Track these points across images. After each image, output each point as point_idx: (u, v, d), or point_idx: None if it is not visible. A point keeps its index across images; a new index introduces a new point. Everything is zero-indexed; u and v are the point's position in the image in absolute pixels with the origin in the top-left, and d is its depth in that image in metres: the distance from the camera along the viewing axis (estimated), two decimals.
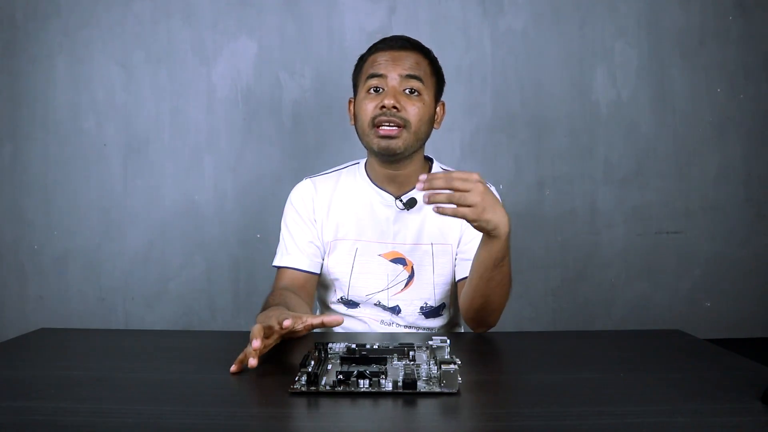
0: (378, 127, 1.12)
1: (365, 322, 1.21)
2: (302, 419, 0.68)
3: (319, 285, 1.26)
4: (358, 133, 1.18)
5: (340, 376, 0.73)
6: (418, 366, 0.80)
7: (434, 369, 0.78)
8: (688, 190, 2.20)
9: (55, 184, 2.14)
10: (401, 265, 1.19)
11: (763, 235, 2.21)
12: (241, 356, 0.82)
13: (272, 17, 2.15)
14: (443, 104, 1.23)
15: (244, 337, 0.86)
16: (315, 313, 1.33)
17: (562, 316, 2.18)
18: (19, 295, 2.15)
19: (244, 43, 2.15)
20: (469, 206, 0.90)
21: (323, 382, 0.73)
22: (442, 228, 1.20)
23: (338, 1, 2.16)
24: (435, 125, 1.21)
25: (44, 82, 2.13)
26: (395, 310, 1.20)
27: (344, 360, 0.81)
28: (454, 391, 0.71)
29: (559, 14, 2.18)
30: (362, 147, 1.20)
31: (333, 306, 1.25)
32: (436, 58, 1.21)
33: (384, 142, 1.12)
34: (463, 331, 1.31)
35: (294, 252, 1.20)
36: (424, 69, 1.16)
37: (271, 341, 0.85)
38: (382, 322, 1.21)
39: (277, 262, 1.22)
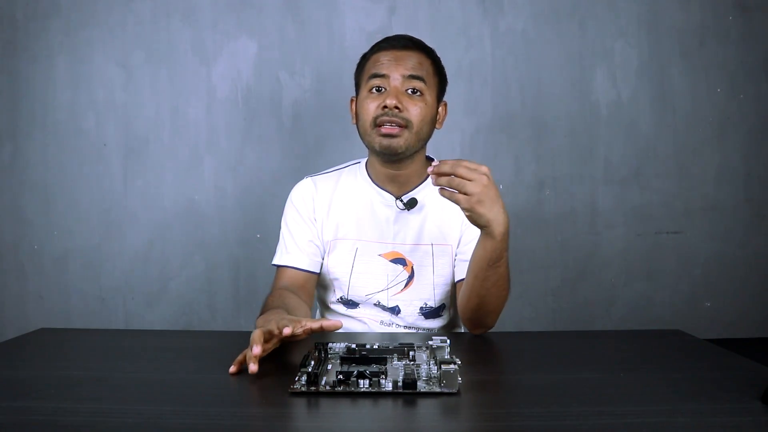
0: (380, 126, 1.12)
1: (365, 323, 1.21)
2: (302, 419, 0.68)
3: (318, 285, 1.26)
4: (359, 132, 1.18)
5: (340, 376, 0.73)
6: (418, 366, 0.80)
7: (434, 369, 0.78)
8: (688, 190, 2.20)
9: (55, 184, 2.14)
10: (401, 266, 1.19)
11: (763, 235, 2.21)
12: (240, 357, 0.82)
13: (272, 17, 2.15)
14: (445, 104, 1.23)
15: (244, 337, 0.86)
16: (315, 313, 1.33)
17: (562, 316, 2.18)
18: (19, 295, 2.15)
19: (244, 43, 2.15)
20: (466, 194, 0.90)
21: (323, 382, 0.73)
22: (443, 228, 1.20)
23: (338, 1, 2.16)
24: (437, 125, 1.20)
25: (44, 82, 2.13)
26: (395, 311, 1.20)
27: (344, 360, 0.81)
28: (454, 391, 0.71)
29: (559, 14, 2.18)
30: (362, 147, 1.20)
31: (332, 306, 1.25)
32: (438, 58, 1.21)
33: (386, 141, 1.12)
34: (462, 331, 1.31)
35: (294, 251, 1.20)
36: (426, 69, 1.16)
37: (271, 345, 0.85)
38: (381, 322, 1.21)
39: (276, 261, 1.22)
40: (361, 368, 0.76)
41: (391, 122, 1.11)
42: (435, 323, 1.23)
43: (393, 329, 1.20)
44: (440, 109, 1.21)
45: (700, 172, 2.20)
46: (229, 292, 2.16)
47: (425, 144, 1.19)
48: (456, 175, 0.90)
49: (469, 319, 1.09)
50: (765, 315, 2.20)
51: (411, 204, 1.19)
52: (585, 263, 2.19)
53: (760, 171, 2.20)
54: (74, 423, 0.64)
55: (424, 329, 1.22)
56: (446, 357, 0.77)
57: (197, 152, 2.15)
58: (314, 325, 0.85)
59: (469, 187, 0.90)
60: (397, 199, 1.20)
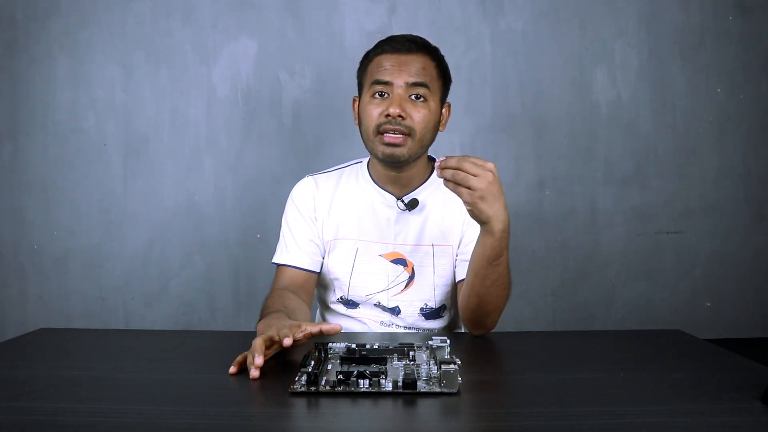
0: (383, 134, 1.11)
1: (365, 323, 1.21)
2: (302, 419, 0.68)
3: (319, 284, 1.26)
4: (362, 136, 1.17)
5: (340, 376, 0.73)
6: (418, 366, 0.80)
7: (434, 369, 0.78)
8: (687, 190, 2.20)
9: (55, 184, 2.14)
10: (402, 266, 1.19)
11: (763, 235, 2.21)
12: (239, 358, 0.82)
13: (272, 17, 2.15)
14: (449, 105, 1.22)
15: (244, 337, 0.86)
16: (315, 312, 1.33)
17: (562, 316, 2.18)
18: (19, 295, 2.15)
19: (244, 43, 2.15)
20: (468, 188, 0.91)
21: (323, 382, 0.73)
22: (443, 229, 1.19)
23: (338, 1, 2.16)
24: (440, 127, 1.19)
25: (44, 82, 2.13)
26: (395, 311, 1.20)
27: (344, 360, 0.81)
28: (454, 391, 0.71)
29: (559, 14, 2.18)
30: (362, 146, 1.20)
31: (333, 306, 1.25)
32: (442, 57, 1.19)
33: (389, 150, 1.11)
34: (463, 332, 1.31)
35: (294, 250, 1.20)
36: (430, 73, 1.14)
37: (272, 351, 0.85)
38: (381, 323, 1.21)
39: (276, 259, 1.22)
40: (361, 368, 0.76)
41: (394, 130, 1.10)
42: (435, 324, 1.23)
43: (393, 330, 1.20)
44: (444, 110, 1.20)
45: (700, 172, 2.20)
46: (229, 292, 2.16)
47: (428, 148, 1.19)
48: (461, 170, 0.91)
49: (470, 320, 1.09)
50: (765, 315, 2.20)
51: (412, 205, 1.19)
52: (585, 263, 2.19)
53: (760, 171, 2.20)
54: (74, 423, 0.64)
55: (424, 330, 1.21)
56: (446, 357, 0.77)
57: (197, 152, 2.15)
58: (314, 329, 0.85)
59: (473, 182, 0.91)
60: (398, 199, 1.19)
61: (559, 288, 2.19)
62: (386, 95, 1.12)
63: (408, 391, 0.71)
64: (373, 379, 0.73)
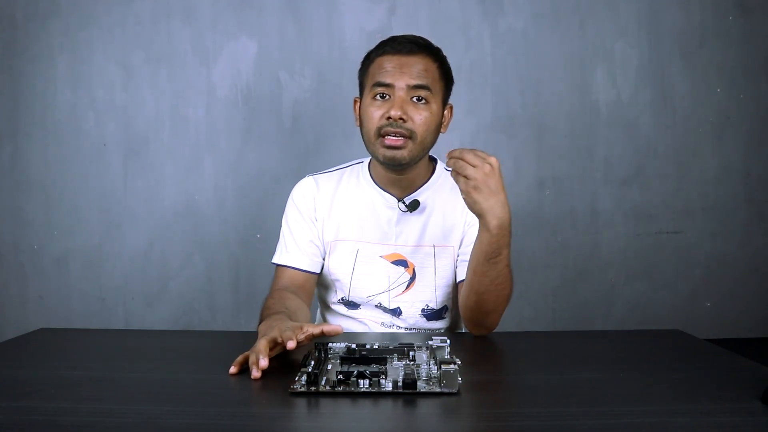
0: (384, 137, 1.11)
1: (366, 324, 1.21)
2: (302, 419, 0.68)
3: (319, 284, 1.26)
4: (363, 138, 1.16)
5: (340, 376, 0.73)
6: (418, 366, 0.80)
7: (434, 369, 0.78)
8: (688, 190, 2.20)
9: (55, 184, 2.14)
10: (403, 267, 1.19)
11: (763, 235, 2.21)
12: (240, 358, 0.82)
13: (272, 17, 2.15)
14: (451, 107, 1.21)
15: (244, 337, 0.86)
16: (316, 312, 1.33)
17: (562, 316, 2.18)
18: (19, 295, 2.15)
19: (244, 43, 2.15)
20: (466, 177, 0.93)
21: (323, 382, 0.73)
22: (445, 230, 1.19)
23: (338, 1, 2.16)
24: (442, 129, 1.19)
25: (44, 82, 2.13)
26: (396, 312, 1.20)
27: (344, 360, 0.81)
28: (454, 391, 0.71)
29: (559, 14, 2.18)
30: (362, 146, 1.19)
31: (334, 306, 1.25)
32: (444, 58, 1.18)
33: (389, 153, 1.11)
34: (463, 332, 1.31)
35: (294, 251, 1.20)
36: (432, 75, 1.13)
37: (274, 353, 0.85)
38: (382, 324, 1.20)
39: (276, 260, 1.21)
40: (361, 368, 0.76)
41: (395, 133, 1.09)
42: (436, 325, 1.22)
43: (394, 331, 1.20)
44: (446, 112, 1.19)
45: (700, 172, 2.20)
46: (229, 292, 2.16)
47: (430, 150, 1.19)
48: (463, 160, 0.94)
49: (470, 319, 1.09)
50: (765, 315, 2.20)
51: (413, 206, 1.18)
52: (585, 263, 2.19)
53: (760, 171, 2.20)
54: (74, 423, 0.64)
55: (425, 331, 1.21)
56: (446, 357, 0.77)
57: (197, 152, 2.15)
58: (315, 330, 0.85)
59: (470, 171, 0.93)
60: (399, 201, 1.19)
61: (559, 288, 2.19)
62: (387, 97, 1.12)
63: (408, 391, 0.71)
64: (373, 379, 0.73)
